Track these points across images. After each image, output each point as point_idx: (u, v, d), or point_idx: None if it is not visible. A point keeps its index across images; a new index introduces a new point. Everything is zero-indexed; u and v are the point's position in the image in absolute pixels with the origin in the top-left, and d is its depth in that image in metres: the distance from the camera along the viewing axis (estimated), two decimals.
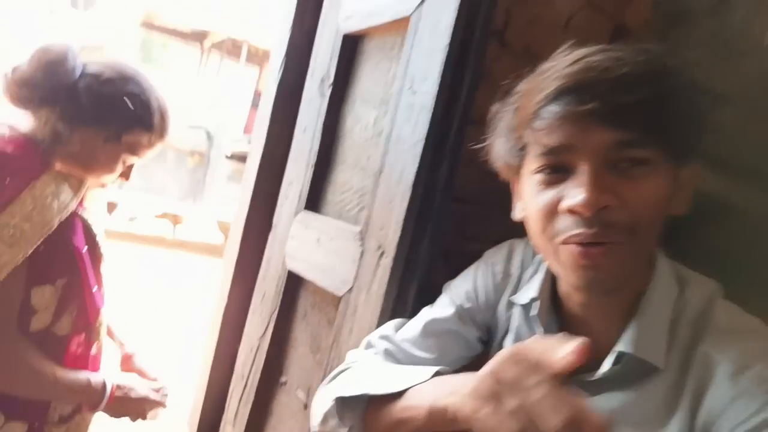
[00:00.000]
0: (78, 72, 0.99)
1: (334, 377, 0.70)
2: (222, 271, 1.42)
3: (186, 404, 1.43)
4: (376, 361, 0.70)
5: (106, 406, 1.04)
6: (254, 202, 1.33)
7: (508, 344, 0.70)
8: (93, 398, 1.03)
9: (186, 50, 6.81)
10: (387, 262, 0.88)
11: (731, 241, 1.14)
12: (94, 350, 1.09)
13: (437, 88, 0.84)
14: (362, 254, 0.93)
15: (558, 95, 0.54)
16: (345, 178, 1.10)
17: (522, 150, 0.60)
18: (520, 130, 0.59)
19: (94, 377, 1.04)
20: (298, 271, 1.13)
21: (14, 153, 0.95)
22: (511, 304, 0.71)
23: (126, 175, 1.10)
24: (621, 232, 0.53)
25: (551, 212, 0.56)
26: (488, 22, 0.87)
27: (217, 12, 5.84)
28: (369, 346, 0.74)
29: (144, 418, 1.12)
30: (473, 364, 0.76)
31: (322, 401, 0.66)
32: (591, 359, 0.56)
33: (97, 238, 1.07)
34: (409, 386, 0.58)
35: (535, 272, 0.69)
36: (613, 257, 0.54)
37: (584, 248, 0.54)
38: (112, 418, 1.09)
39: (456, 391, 0.49)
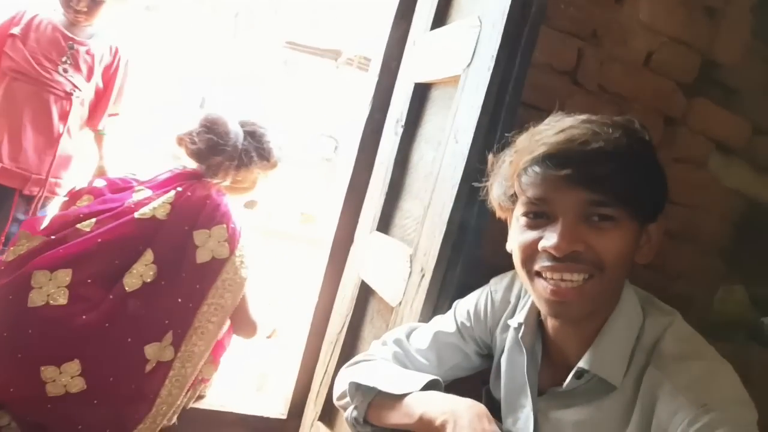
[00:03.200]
0: (240, 132, 1.51)
1: (355, 363, 0.90)
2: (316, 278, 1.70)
3: (283, 385, 1.74)
4: (385, 361, 0.88)
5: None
6: (341, 220, 1.59)
7: (504, 362, 0.84)
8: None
9: (322, 64, 7.50)
10: (426, 283, 1.05)
11: None
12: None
13: (471, 139, 1.00)
14: (410, 275, 1.12)
15: (541, 159, 0.67)
16: (408, 206, 1.30)
17: (512, 196, 0.74)
18: (511, 181, 0.73)
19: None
20: (368, 281, 1.35)
21: (221, 201, 1.45)
22: (506, 327, 0.84)
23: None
24: (588, 269, 0.66)
25: (531, 249, 0.69)
26: (520, 85, 1.00)
27: (351, 32, 6.39)
28: (384, 343, 0.93)
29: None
30: (476, 375, 0.92)
31: (342, 381, 0.87)
32: (564, 375, 0.70)
33: None
34: (409, 392, 0.77)
35: (527, 301, 0.82)
36: (580, 292, 0.66)
37: (555, 285, 0.67)
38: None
39: (442, 409, 0.70)
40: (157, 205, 1.37)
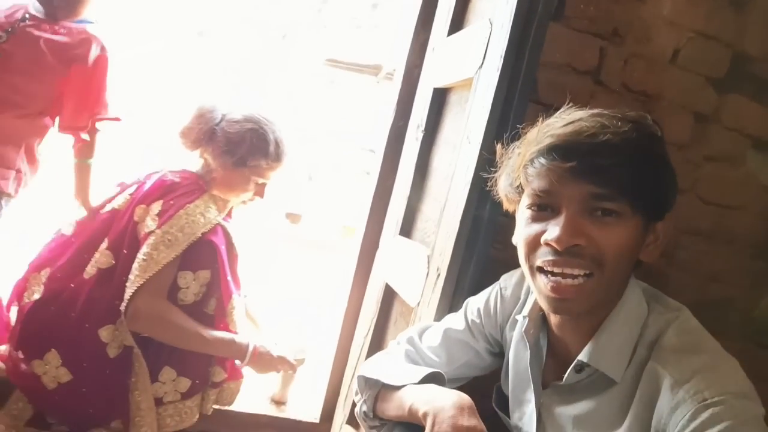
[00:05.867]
0: (218, 119, 1.41)
1: (369, 361, 0.92)
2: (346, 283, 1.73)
3: (316, 384, 1.78)
4: (397, 358, 0.90)
5: (251, 362, 1.38)
6: (368, 227, 1.62)
7: (511, 357, 0.84)
8: (238, 353, 1.37)
9: (362, 80, 7.68)
10: (441, 283, 1.07)
11: None
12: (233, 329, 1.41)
13: (482, 139, 1.01)
14: (427, 275, 1.14)
15: (548, 150, 0.67)
16: (428, 209, 1.32)
17: (519, 188, 0.74)
18: (518, 172, 0.72)
19: (238, 338, 1.38)
20: (392, 284, 1.37)
21: (180, 182, 1.41)
22: (515, 323, 0.84)
23: (260, 193, 1.49)
24: (588, 264, 0.65)
25: (534, 242, 0.69)
26: (529, 84, 1.01)
27: (391, 48, 6.54)
28: (398, 343, 0.95)
29: (278, 371, 1.45)
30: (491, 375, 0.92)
31: (357, 377, 0.90)
32: (565, 370, 0.70)
33: (234, 241, 1.43)
34: (406, 383, 0.79)
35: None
36: (580, 290, 0.66)
37: (555, 281, 0.66)
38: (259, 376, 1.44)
39: (426, 401, 0.72)
40: (121, 199, 1.42)
